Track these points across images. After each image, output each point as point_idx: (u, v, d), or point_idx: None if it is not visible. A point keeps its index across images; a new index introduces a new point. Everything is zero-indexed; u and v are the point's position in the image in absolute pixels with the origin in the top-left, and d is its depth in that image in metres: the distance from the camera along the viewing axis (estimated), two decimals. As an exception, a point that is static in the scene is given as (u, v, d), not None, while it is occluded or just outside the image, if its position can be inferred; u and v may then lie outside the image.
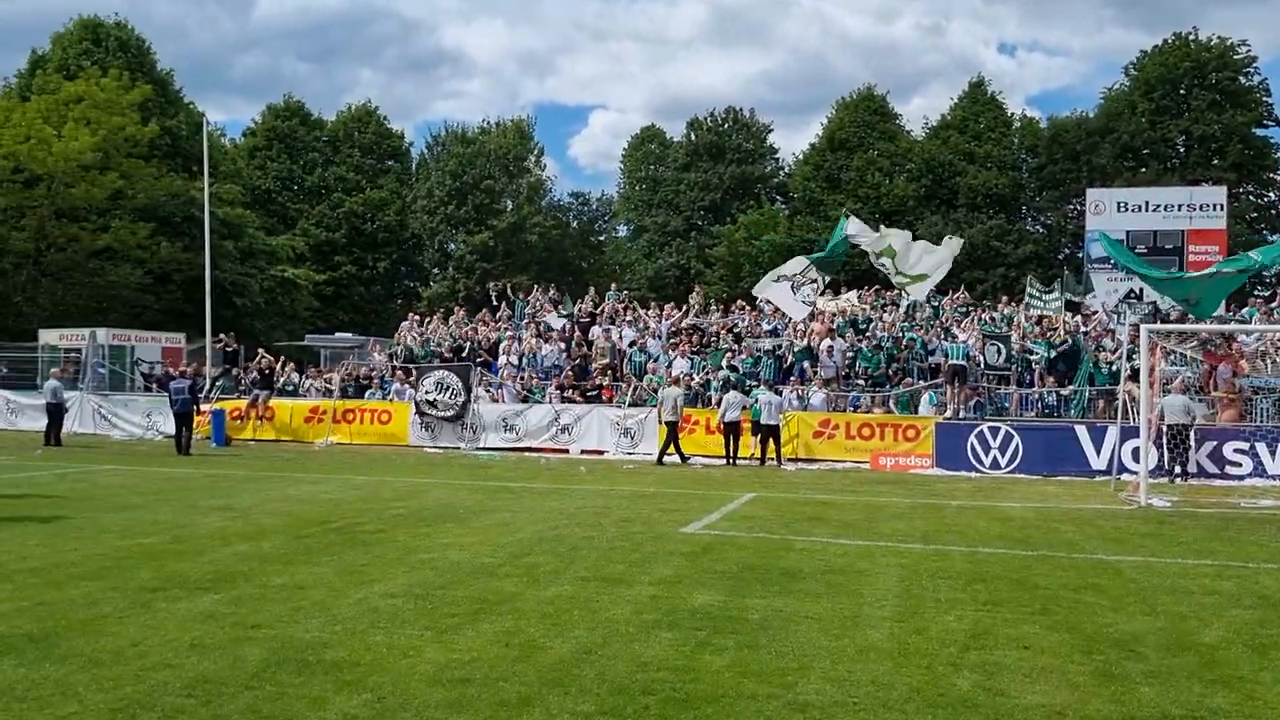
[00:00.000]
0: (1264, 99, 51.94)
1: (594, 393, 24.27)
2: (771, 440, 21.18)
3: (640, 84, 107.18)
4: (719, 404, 21.89)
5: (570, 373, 25.12)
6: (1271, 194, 53.14)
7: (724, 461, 21.39)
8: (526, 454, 22.86)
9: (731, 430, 21.50)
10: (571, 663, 6.16)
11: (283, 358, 29.76)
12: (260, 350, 29.38)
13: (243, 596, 7.85)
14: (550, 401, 24.00)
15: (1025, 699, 5.58)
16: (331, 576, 8.65)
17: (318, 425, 25.51)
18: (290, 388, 27.32)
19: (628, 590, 8.28)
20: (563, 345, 26.68)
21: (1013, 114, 56.88)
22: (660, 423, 21.79)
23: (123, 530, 11.08)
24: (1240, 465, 19.25)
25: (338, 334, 43.99)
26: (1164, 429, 18.19)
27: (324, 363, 33.72)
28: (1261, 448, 19.22)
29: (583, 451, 22.80)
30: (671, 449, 21.23)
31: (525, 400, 24.51)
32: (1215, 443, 19.47)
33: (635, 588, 8.38)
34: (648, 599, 7.96)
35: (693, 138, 60.38)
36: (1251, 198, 51.22)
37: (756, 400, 21.33)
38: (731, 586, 8.47)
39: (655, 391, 23.61)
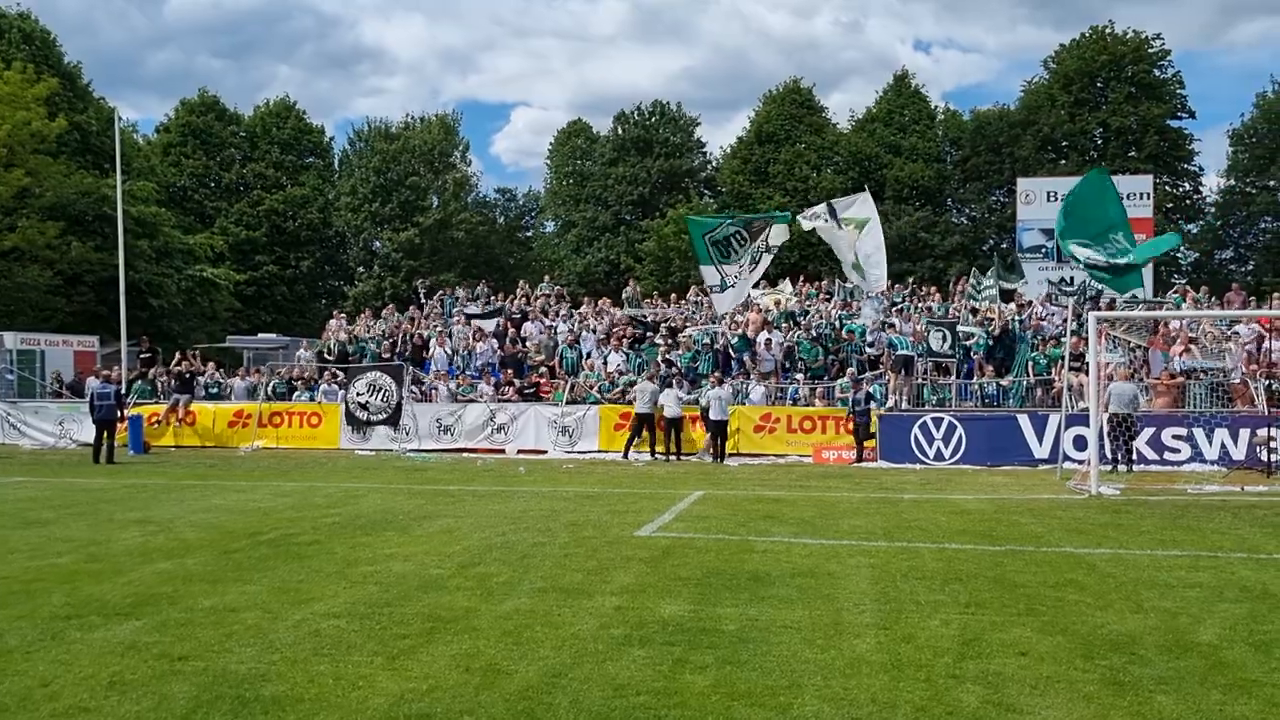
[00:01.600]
0: (1177, 91, 53.06)
1: (530, 391, 23.62)
2: (719, 436, 20.81)
3: (563, 81, 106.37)
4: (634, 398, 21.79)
5: (509, 371, 24.44)
6: (1186, 184, 54.29)
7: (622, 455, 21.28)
8: (462, 455, 22.14)
9: (674, 426, 21.13)
10: (541, 689, 5.61)
11: (211, 362, 28.48)
12: (197, 352, 28.20)
13: (167, 622, 7.14)
14: (485, 400, 23.30)
15: (1040, 714, 5.16)
16: (265, 596, 7.97)
17: (242, 430, 24.47)
18: (214, 389, 26.20)
19: (589, 601, 7.74)
20: (496, 342, 25.98)
21: (936, 106, 57.44)
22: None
23: (32, 549, 10.21)
24: (1179, 451, 19.29)
25: (260, 335, 42.62)
26: (1108, 417, 18.12)
27: (247, 364, 32.53)
28: (1199, 433, 19.29)
29: (520, 451, 22.14)
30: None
31: (458, 400, 23.78)
32: (1154, 429, 19.51)
33: (597, 598, 7.85)
34: (613, 611, 7.43)
35: (620, 132, 59.84)
36: (1167, 188, 52.18)
37: (705, 395, 21.04)
38: (699, 594, 7.98)
39: (593, 389, 23.12)
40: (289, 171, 57.45)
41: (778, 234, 22.87)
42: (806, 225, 22.95)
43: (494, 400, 23.31)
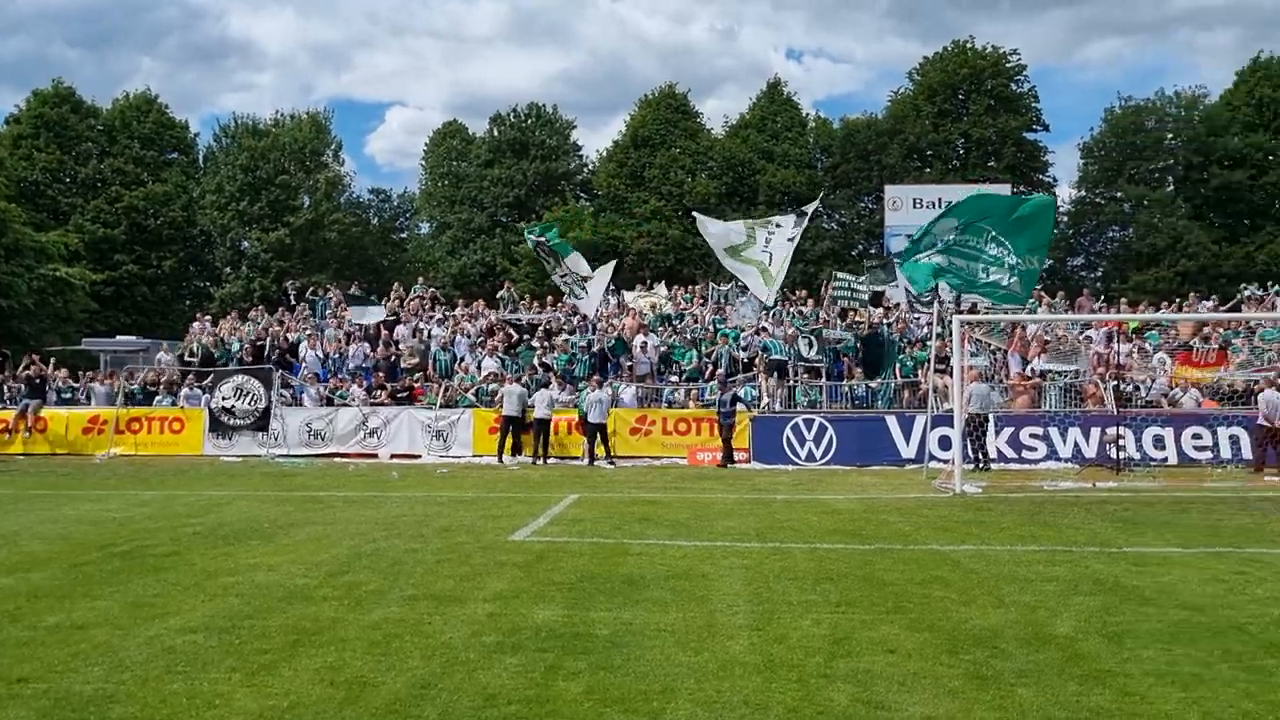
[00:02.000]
0: (1033, 105, 55.27)
1: (404, 394, 23.18)
2: (599, 438, 20.76)
3: (439, 81, 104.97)
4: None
5: (381, 374, 23.92)
6: (1041, 194, 56.59)
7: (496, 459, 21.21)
8: (334, 460, 21.60)
9: (543, 427, 21.04)
10: (409, 701, 5.45)
11: (62, 369, 27.01)
12: (53, 357, 26.79)
13: (7, 641, 6.71)
14: (357, 404, 22.77)
15: (908, 711, 5.25)
16: (117, 611, 7.57)
17: (98, 436, 23.36)
18: (68, 394, 24.92)
19: (461, 609, 7.58)
20: (369, 345, 25.43)
21: (808, 114, 58.62)
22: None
23: None
24: (1036, 450, 20.12)
25: (119, 337, 40.82)
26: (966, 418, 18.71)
27: (104, 368, 31.10)
28: (1054, 432, 20.14)
29: (393, 456, 21.73)
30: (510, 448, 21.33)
31: (330, 403, 23.19)
32: (1013, 428, 20.28)
33: (469, 605, 7.69)
34: (485, 618, 7.29)
35: (496, 133, 59.40)
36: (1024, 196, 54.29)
37: (584, 399, 21.00)
38: (573, 599, 7.90)
39: (468, 392, 22.85)
40: (150, 168, 55.19)
41: (574, 262, 24.19)
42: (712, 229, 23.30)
43: (366, 404, 22.82)
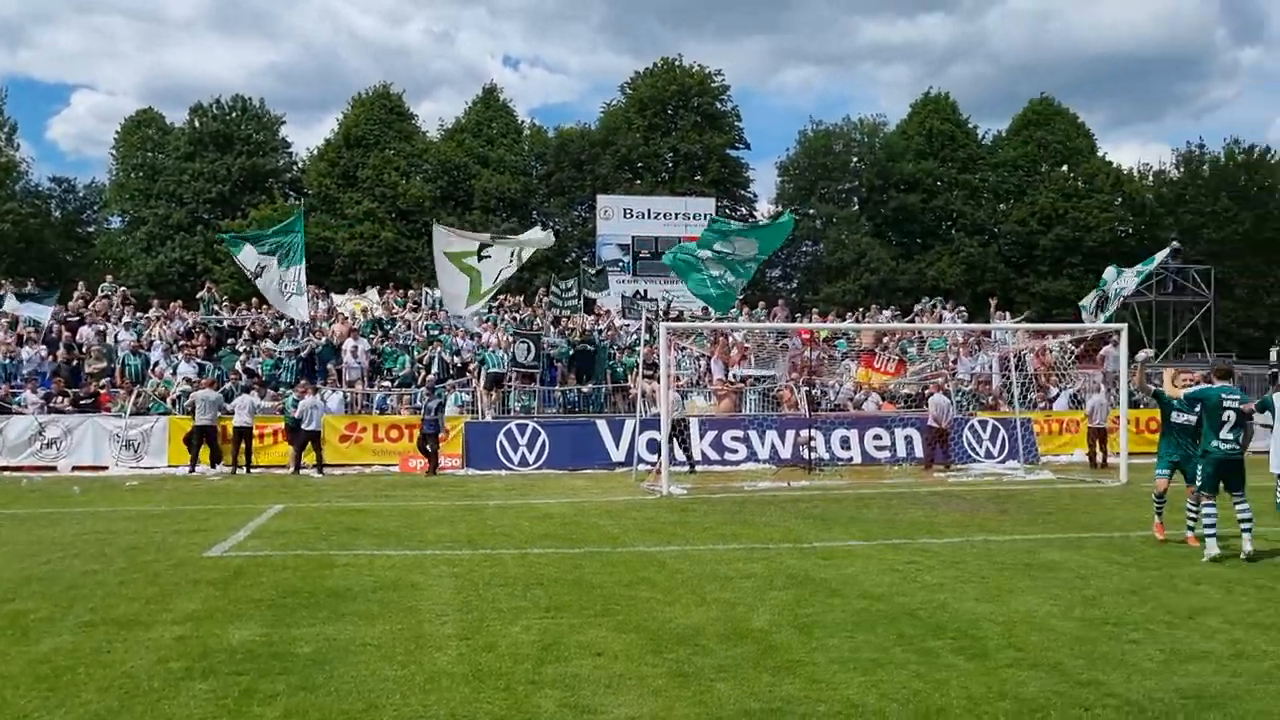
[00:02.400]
0: (736, 124, 58.25)
1: (89, 401, 21.30)
2: (309, 445, 19.91)
3: (133, 65, 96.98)
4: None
5: (62, 380, 21.81)
6: (743, 209, 59.73)
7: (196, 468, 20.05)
8: (3, 474, 19.54)
9: (243, 436, 19.99)
10: (83, 738, 5.02)
11: None
12: None
13: None
14: (32, 412, 20.70)
15: (613, 712, 5.37)
16: None
17: None
18: None
19: (146, 633, 7.06)
20: (46, 347, 23.17)
21: (524, 121, 58.98)
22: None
23: None
24: (737, 451, 21.17)
25: None
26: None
27: None
28: (753, 434, 21.29)
29: (75, 468, 19.94)
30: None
31: (1, 411, 20.95)
32: (716, 431, 21.26)
33: (156, 629, 7.17)
34: (173, 641, 6.82)
35: (196, 125, 55.84)
36: (728, 211, 57.08)
37: (296, 404, 20.09)
38: (273, 616, 7.54)
39: (163, 399, 21.35)
40: None
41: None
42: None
43: (43, 412, 20.80)
